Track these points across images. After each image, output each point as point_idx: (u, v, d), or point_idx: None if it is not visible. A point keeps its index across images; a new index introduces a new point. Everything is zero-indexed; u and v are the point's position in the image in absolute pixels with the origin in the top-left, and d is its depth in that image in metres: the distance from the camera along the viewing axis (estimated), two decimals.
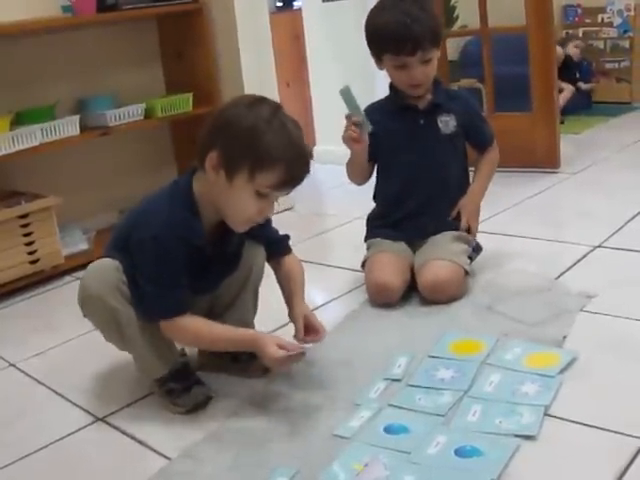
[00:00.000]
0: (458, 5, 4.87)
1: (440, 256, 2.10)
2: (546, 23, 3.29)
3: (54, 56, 2.95)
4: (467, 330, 1.89)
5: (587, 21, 5.23)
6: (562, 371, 1.63)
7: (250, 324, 1.84)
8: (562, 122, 3.89)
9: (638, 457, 1.32)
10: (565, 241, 2.49)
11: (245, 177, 1.54)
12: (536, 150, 3.41)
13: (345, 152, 2.15)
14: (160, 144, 3.37)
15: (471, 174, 2.30)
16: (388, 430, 1.49)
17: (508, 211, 2.88)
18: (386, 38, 2.07)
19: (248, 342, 1.63)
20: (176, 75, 3.29)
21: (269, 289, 1.85)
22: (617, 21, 5.04)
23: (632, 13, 4.97)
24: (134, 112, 2.95)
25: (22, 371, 2.02)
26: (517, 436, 1.42)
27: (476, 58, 4.00)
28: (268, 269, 1.85)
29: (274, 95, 3.42)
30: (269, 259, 1.84)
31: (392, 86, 2.22)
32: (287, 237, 1.85)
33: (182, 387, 1.68)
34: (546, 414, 1.48)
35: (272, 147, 1.52)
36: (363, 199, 2.37)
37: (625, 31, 5.01)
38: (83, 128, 2.83)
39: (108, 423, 1.68)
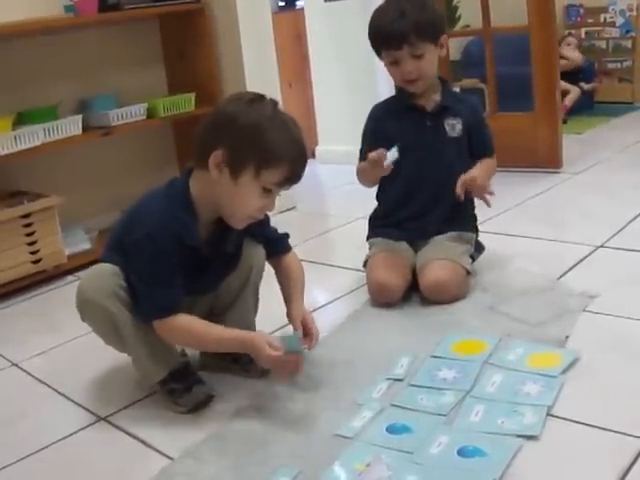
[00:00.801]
0: (460, 5, 4.87)
1: (442, 256, 2.10)
2: (548, 23, 3.29)
3: (56, 56, 2.95)
4: (469, 330, 1.89)
5: (589, 21, 5.23)
6: (564, 371, 1.63)
7: (251, 323, 1.84)
8: (565, 122, 3.89)
9: None
10: (567, 241, 2.49)
11: (251, 174, 1.55)
12: (538, 150, 3.41)
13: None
14: (162, 144, 3.37)
15: None
16: (390, 430, 1.49)
17: (510, 211, 2.88)
18: (375, 34, 2.12)
19: (240, 343, 1.60)
20: (178, 75, 3.29)
21: (269, 289, 1.85)
22: (619, 21, 5.04)
23: (634, 13, 4.97)
24: (136, 112, 2.95)
25: (24, 370, 2.02)
26: (519, 436, 1.42)
27: (478, 58, 4.01)
28: (268, 268, 1.85)
29: (277, 95, 3.42)
30: (269, 258, 1.83)
31: (397, 85, 2.22)
32: (287, 235, 1.85)
33: (183, 387, 1.68)
34: (548, 414, 1.48)
35: (276, 145, 1.53)
36: (365, 199, 2.36)
37: (627, 31, 5.01)
38: (85, 128, 2.83)
39: (110, 423, 1.68)
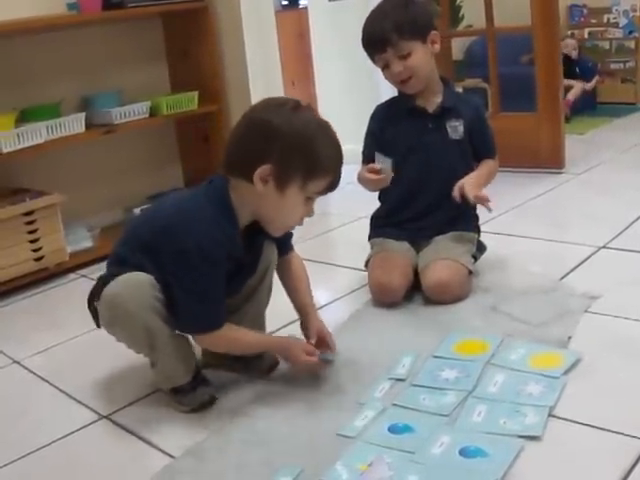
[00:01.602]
0: (463, 5, 4.87)
1: (444, 256, 2.09)
2: (551, 23, 3.28)
3: (59, 53, 2.95)
4: (471, 330, 1.88)
5: (592, 21, 5.23)
6: (566, 372, 1.63)
7: (263, 314, 1.86)
8: (568, 120, 3.88)
9: None
10: (569, 242, 2.49)
11: (298, 185, 1.55)
12: (541, 150, 3.41)
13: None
14: (165, 142, 3.37)
15: None
16: (392, 430, 1.49)
17: (512, 211, 2.87)
18: (362, 40, 2.12)
19: (279, 348, 1.70)
20: (181, 73, 3.30)
21: (273, 288, 1.85)
22: (623, 22, 5.04)
23: (638, 14, 4.97)
24: (139, 110, 2.96)
25: (26, 368, 2.02)
26: (521, 437, 1.42)
27: (481, 58, 4.01)
28: None
29: (280, 94, 3.43)
30: None
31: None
32: (291, 235, 1.85)
33: (188, 386, 1.67)
34: (550, 415, 1.48)
35: (324, 156, 1.55)
36: (367, 199, 2.36)
37: (630, 32, 5.01)
38: (88, 126, 2.84)
39: (112, 421, 1.68)
